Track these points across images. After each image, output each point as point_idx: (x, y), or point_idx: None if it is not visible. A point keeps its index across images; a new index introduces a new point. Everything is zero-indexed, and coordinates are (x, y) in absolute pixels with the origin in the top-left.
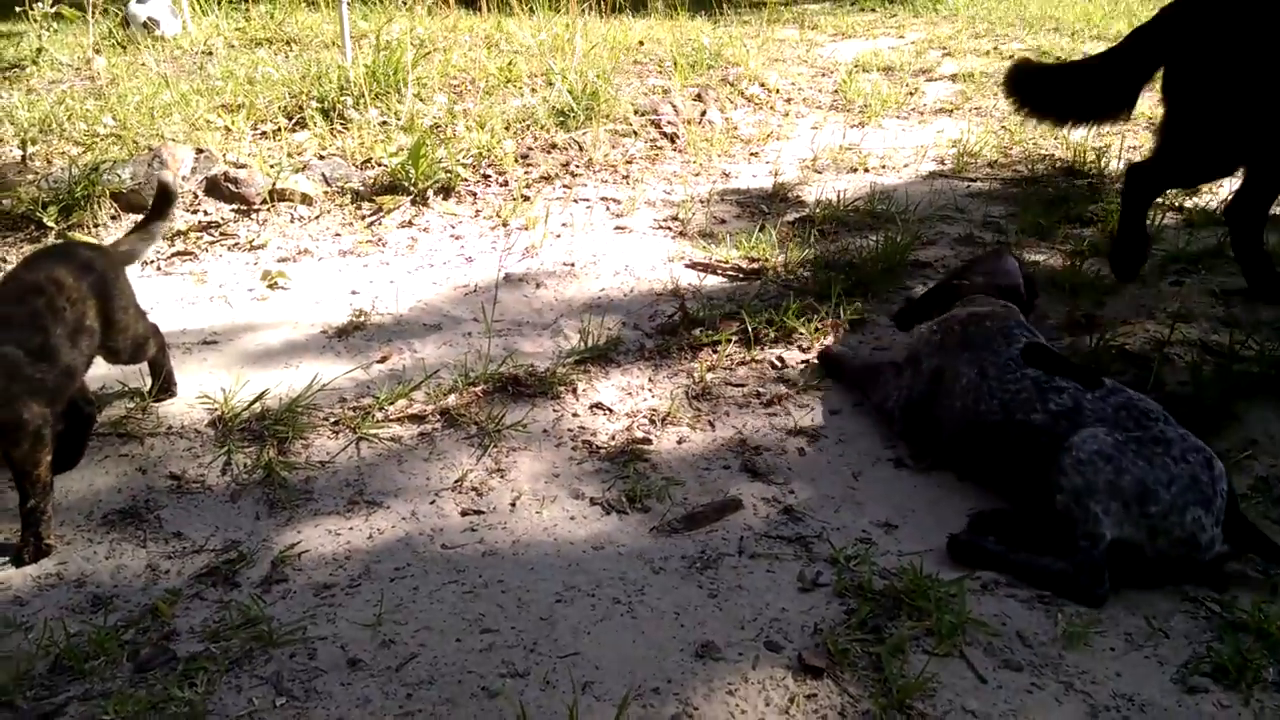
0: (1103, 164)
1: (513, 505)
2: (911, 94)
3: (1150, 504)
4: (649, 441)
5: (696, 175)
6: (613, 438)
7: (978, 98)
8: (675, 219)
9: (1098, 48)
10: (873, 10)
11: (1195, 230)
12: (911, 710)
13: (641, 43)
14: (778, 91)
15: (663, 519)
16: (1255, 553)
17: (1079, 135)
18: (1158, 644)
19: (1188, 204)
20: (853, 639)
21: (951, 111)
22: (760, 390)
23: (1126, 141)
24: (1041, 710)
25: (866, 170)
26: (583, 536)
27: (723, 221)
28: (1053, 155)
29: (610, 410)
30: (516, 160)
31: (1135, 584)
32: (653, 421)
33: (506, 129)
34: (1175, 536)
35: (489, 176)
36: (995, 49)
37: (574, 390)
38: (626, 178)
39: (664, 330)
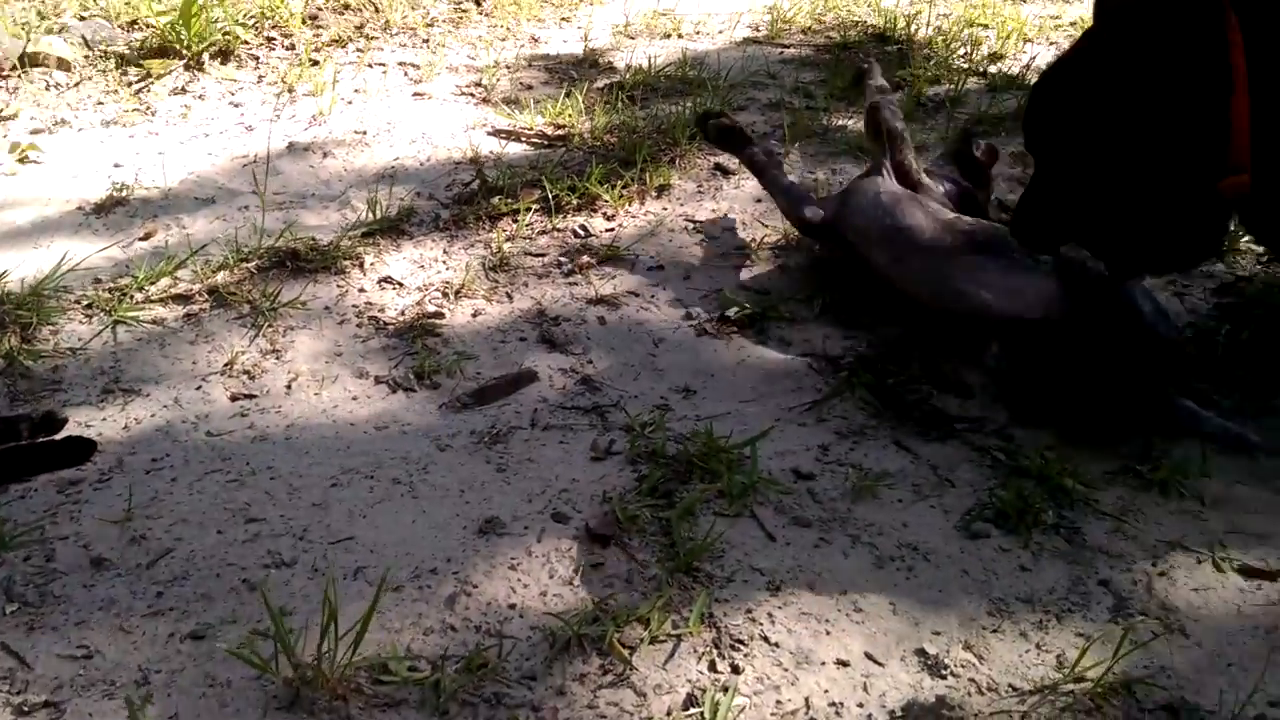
0: (912, 30)
1: (289, 388)
2: None
3: None
4: (441, 316)
5: (503, 40)
6: (402, 313)
7: None
8: (479, 85)
9: None
10: None
11: (997, 94)
12: (699, 572)
13: None
14: None
15: (453, 394)
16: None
17: (894, 5)
18: (944, 493)
19: (991, 69)
20: (643, 505)
21: None
22: (562, 260)
23: (937, 9)
24: (828, 563)
25: (681, 36)
26: (365, 416)
27: (530, 88)
28: (864, 22)
29: (400, 284)
30: (304, 22)
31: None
32: (446, 295)
33: None
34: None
35: (273, 40)
36: None
37: (361, 264)
38: (427, 41)
39: (461, 200)
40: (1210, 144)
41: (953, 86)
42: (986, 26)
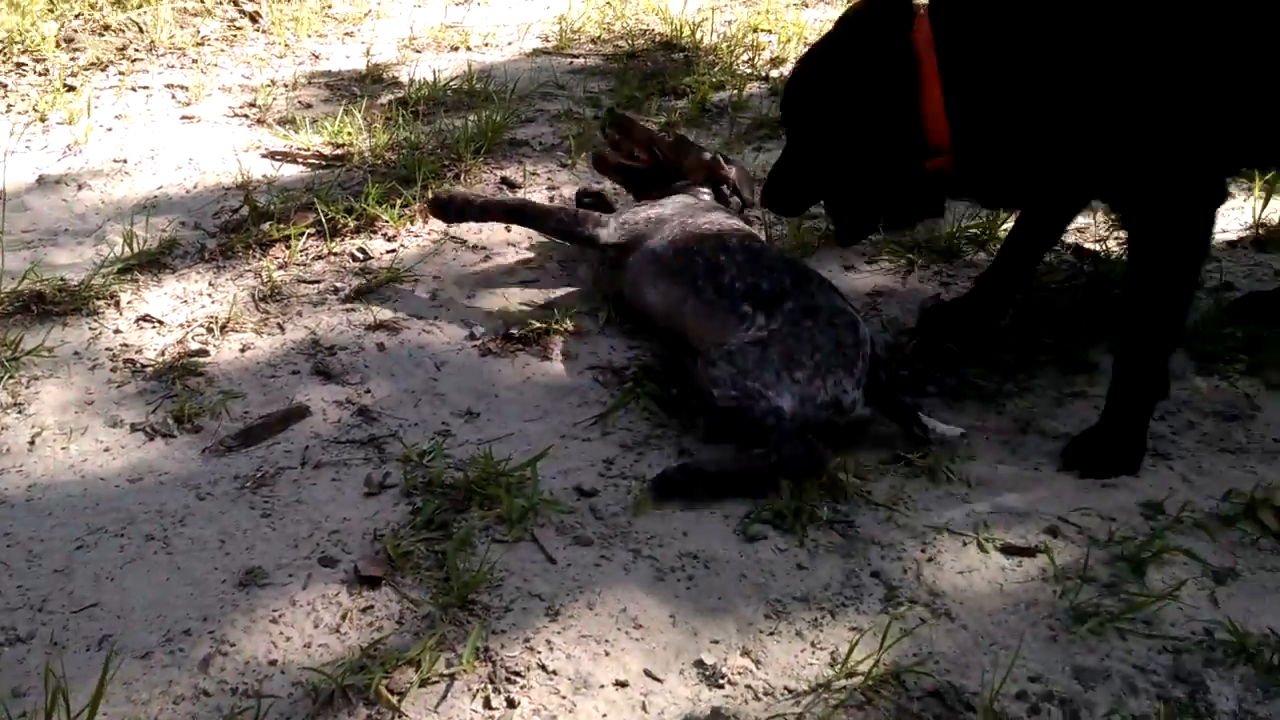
0: (698, 37)
1: (32, 443)
2: None
3: (796, 370)
4: (205, 353)
5: (281, 57)
6: (162, 353)
7: None
8: (253, 105)
9: None
10: None
11: (778, 97)
12: (475, 604)
13: None
14: None
15: (216, 437)
16: (890, 416)
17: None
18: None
19: (774, 74)
20: (417, 539)
21: None
22: (339, 285)
23: (723, 15)
24: (608, 581)
25: (469, 49)
26: (117, 469)
27: (308, 106)
28: (652, 30)
29: (160, 322)
30: (59, 45)
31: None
32: (211, 330)
33: (50, 10)
34: (820, 401)
35: (24, 65)
36: None
37: (116, 303)
38: (196, 62)
39: (229, 228)
40: (905, 131)
41: (735, 92)
42: (770, 32)
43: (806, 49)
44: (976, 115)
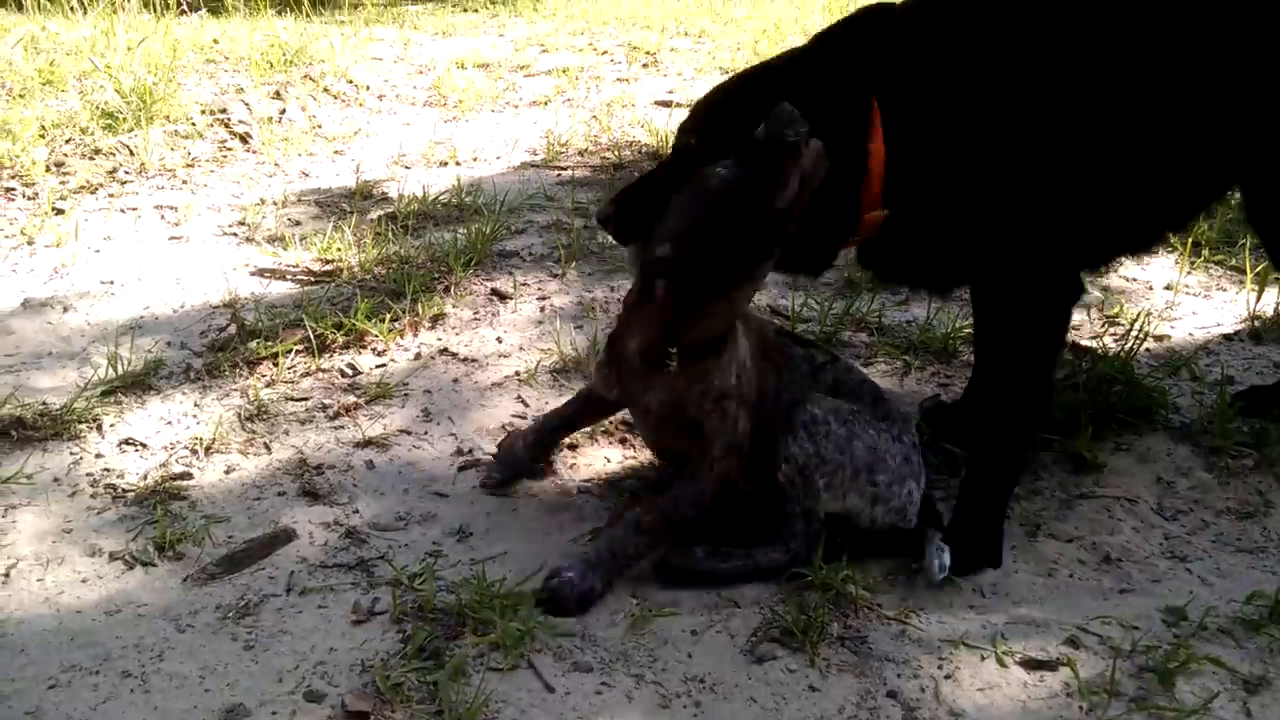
0: None
1: (6, 575)
2: (509, 89)
3: (879, 472)
4: (189, 476)
5: (271, 176)
6: (144, 477)
7: (571, 90)
8: (242, 224)
9: (683, 43)
10: (476, 11)
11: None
12: None
13: (216, 41)
14: (368, 88)
15: (199, 565)
16: (928, 524)
17: (665, 123)
18: (729, 616)
19: None
20: (408, 670)
21: (546, 103)
22: (326, 402)
23: None
24: (611, 710)
25: (458, 164)
26: (94, 600)
27: (297, 223)
28: (638, 141)
29: (143, 445)
30: (49, 169)
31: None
32: (195, 452)
33: (41, 135)
34: (893, 506)
35: (12, 190)
36: (591, 45)
37: (98, 426)
38: (186, 182)
39: (216, 347)
40: (848, 197)
41: None
42: None
43: (748, 76)
44: (906, 191)
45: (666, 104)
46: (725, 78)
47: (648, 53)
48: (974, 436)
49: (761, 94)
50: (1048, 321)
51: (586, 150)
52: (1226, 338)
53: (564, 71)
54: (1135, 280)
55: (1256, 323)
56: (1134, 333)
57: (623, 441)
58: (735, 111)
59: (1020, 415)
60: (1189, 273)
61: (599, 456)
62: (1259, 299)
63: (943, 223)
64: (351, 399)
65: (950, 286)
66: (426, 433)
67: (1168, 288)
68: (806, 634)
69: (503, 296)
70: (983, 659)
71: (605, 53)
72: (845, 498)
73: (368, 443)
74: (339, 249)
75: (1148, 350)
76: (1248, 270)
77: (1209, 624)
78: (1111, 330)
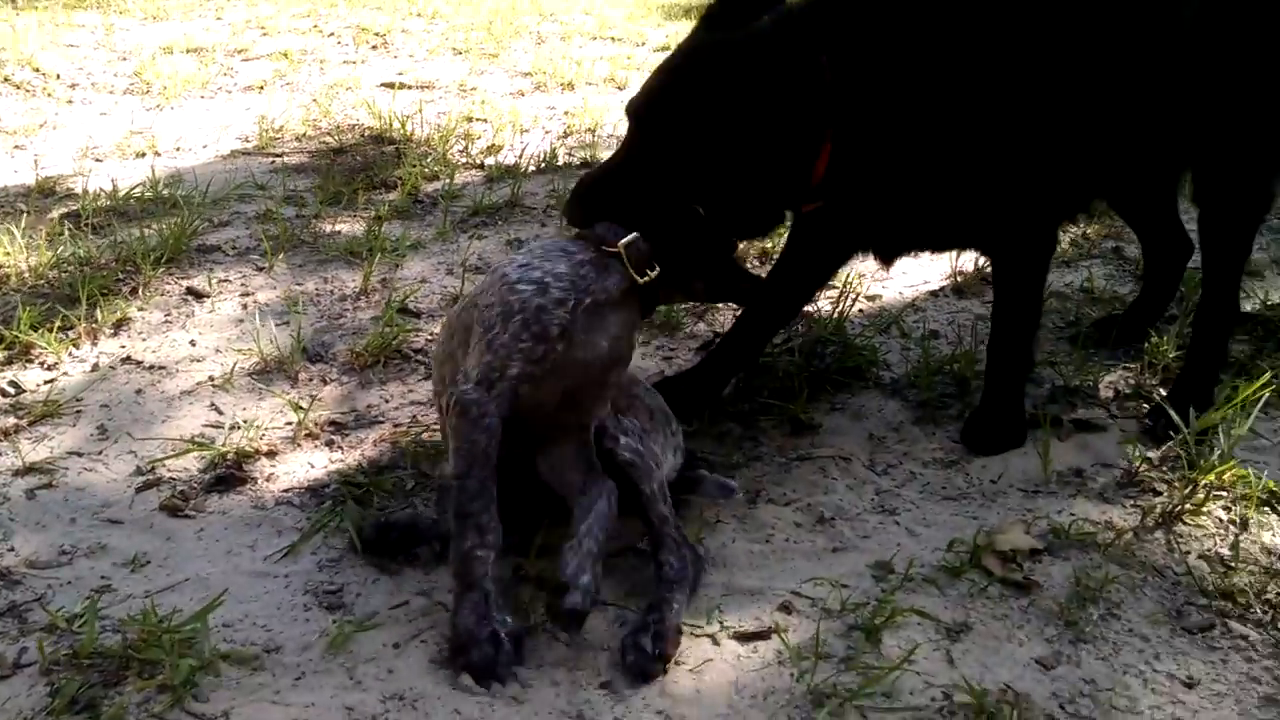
0: (409, 130)
1: None
2: (222, 73)
3: (672, 420)
4: None
5: None
6: None
7: (293, 73)
8: None
9: (416, 24)
10: None
11: (493, 184)
12: None
13: None
14: (58, 77)
15: None
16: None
17: (390, 105)
18: (436, 621)
19: (489, 161)
20: None
21: (262, 88)
22: None
23: (437, 106)
24: None
25: (158, 154)
26: None
27: None
28: (362, 125)
29: None
30: None
31: None
32: None
33: None
34: (679, 450)
35: None
36: (316, 27)
37: None
38: None
39: None
40: (799, 170)
41: (449, 181)
42: (484, 121)
43: (683, 57)
44: (859, 162)
45: (394, 85)
46: (668, 53)
47: (377, 34)
48: (991, 342)
49: (708, 73)
50: (1038, 259)
51: (305, 135)
52: (933, 294)
53: (284, 55)
54: None
55: (959, 278)
56: (847, 294)
57: (329, 444)
58: (681, 92)
59: (1026, 320)
60: None
61: (301, 463)
62: (959, 256)
63: (893, 190)
64: (11, 421)
65: (897, 251)
66: (101, 453)
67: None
68: (519, 634)
69: (199, 295)
70: (697, 637)
71: (332, 34)
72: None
73: (29, 470)
74: (6, 253)
75: (861, 311)
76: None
77: (914, 575)
78: (827, 294)
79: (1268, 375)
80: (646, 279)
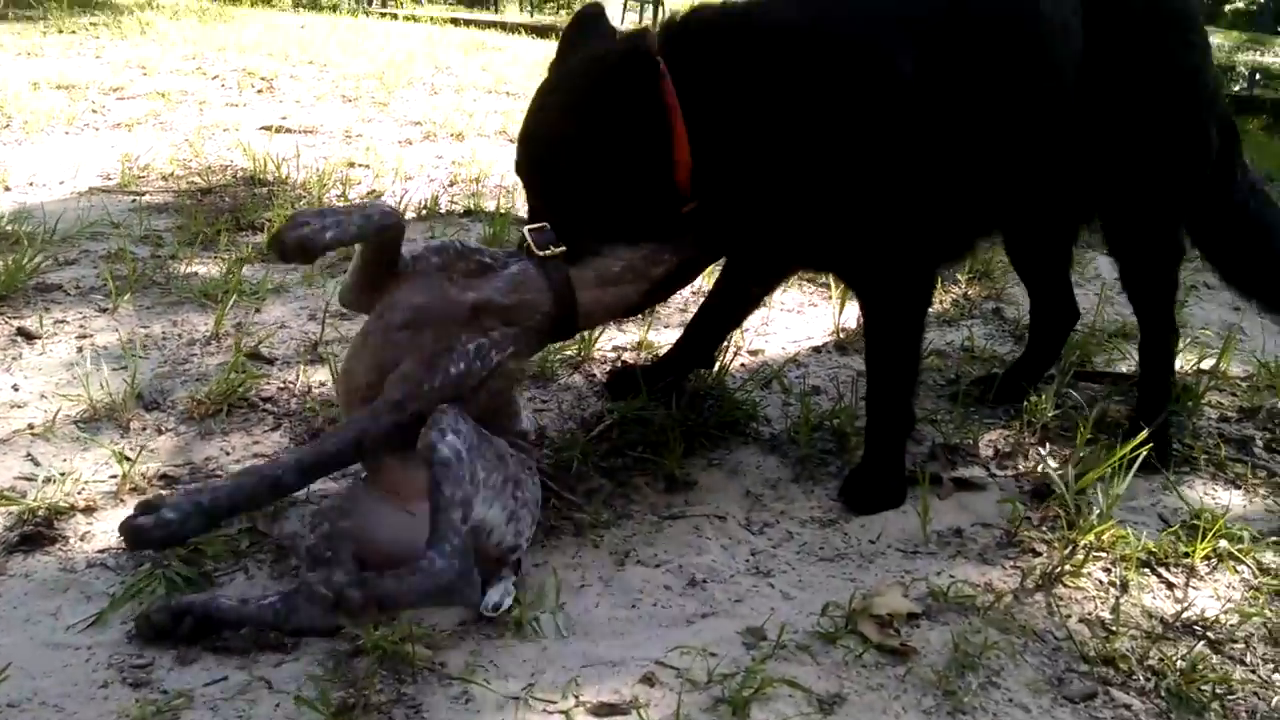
0: (284, 174)
1: None
2: (92, 110)
3: (522, 489)
4: None
5: None
6: None
7: (169, 113)
8: None
9: (307, 70)
10: (74, 32)
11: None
12: None
13: None
14: None
15: None
16: None
17: (267, 148)
18: (254, 703)
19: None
20: None
21: (133, 126)
22: None
23: (318, 151)
24: None
25: (8, 189)
26: None
27: None
28: (234, 165)
29: None
30: None
31: None
32: None
33: None
34: (520, 529)
35: None
36: (200, 69)
37: None
38: None
39: None
40: (661, 180)
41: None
42: (366, 166)
43: (543, 98)
44: (720, 171)
45: (274, 129)
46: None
47: (264, 79)
48: (869, 396)
49: (574, 101)
50: (916, 302)
51: (172, 175)
52: (816, 349)
53: (162, 95)
54: None
55: (841, 334)
56: (728, 347)
57: (152, 487)
58: (551, 125)
59: (903, 374)
60: (784, 290)
61: (114, 520)
62: (841, 311)
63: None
64: None
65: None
66: None
67: (763, 305)
68: (344, 710)
69: (30, 336)
70: (549, 714)
71: (216, 77)
72: (492, 505)
73: None
74: None
75: (742, 365)
76: (834, 287)
77: (786, 642)
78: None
79: (1144, 434)
80: (550, 253)
